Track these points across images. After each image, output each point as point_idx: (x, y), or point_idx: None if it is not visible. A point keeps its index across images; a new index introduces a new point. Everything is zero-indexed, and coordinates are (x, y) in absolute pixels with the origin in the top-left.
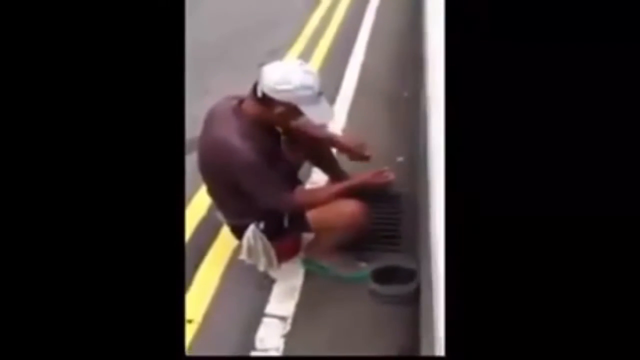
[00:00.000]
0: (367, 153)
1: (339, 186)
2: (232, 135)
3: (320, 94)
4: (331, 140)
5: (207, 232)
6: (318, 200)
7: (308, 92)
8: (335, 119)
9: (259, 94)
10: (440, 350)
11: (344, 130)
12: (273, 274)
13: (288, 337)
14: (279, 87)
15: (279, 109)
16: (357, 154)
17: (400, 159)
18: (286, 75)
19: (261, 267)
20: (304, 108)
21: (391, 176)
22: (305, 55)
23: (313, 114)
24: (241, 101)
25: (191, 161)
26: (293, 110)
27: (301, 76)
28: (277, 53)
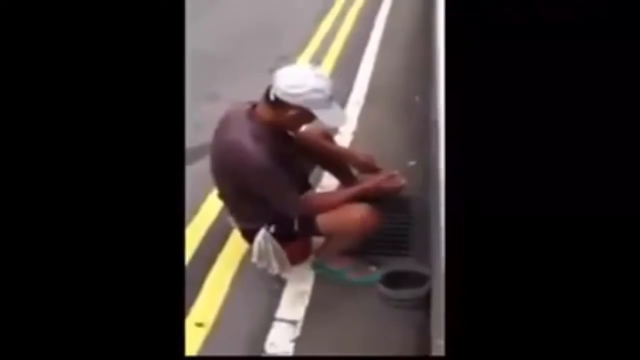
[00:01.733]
0: (377, 166)
1: (350, 190)
2: (245, 139)
3: (331, 97)
4: (343, 155)
5: (218, 236)
6: (329, 204)
7: (320, 96)
8: (346, 123)
9: (272, 97)
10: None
11: (354, 134)
12: (285, 275)
13: (298, 342)
14: (291, 91)
15: (291, 113)
16: (368, 167)
17: (411, 163)
18: (298, 78)
19: (273, 271)
20: (316, 112)
21: (402, 181)
22: (317, 60)
23: (325, 118)
24: (254, 105)
25: (200, 167)
26: (305, 114)
27: (313, 80)
28: (287, 58)
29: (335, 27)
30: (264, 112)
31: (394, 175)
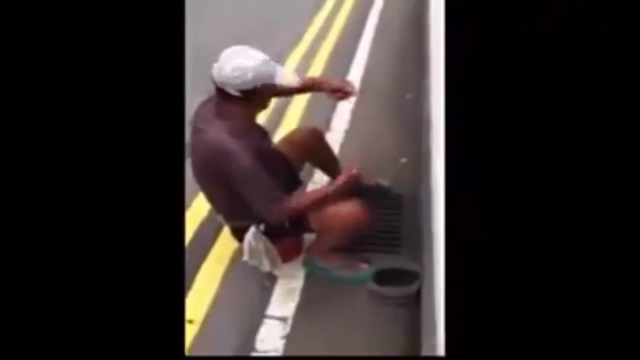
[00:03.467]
0: (349, 89)
1: (317, 192)
2: (226, 139)
3: (270, 59)
4: (314, 84)
5: (209, 233)
6: (309, 205)
7: (270, 65)
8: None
9: (234, 93)
10: (440, 351)
11: (346, 132)
12: (276, 272)
13: (288, 339)
14: (245, 78)
15: (259, 95)
16: (340, 91)
17: (403, 160)
18: (243, 65)
19: (264, 268)
20: (275, 80)
21: (354, 171)
22: (309, 57)
23: (281, 80)
24: (217, 103)
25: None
26: (268, 88)
27: (253, 57)
28: (280, 55)
29: (328, 22)
30: (234, 107)
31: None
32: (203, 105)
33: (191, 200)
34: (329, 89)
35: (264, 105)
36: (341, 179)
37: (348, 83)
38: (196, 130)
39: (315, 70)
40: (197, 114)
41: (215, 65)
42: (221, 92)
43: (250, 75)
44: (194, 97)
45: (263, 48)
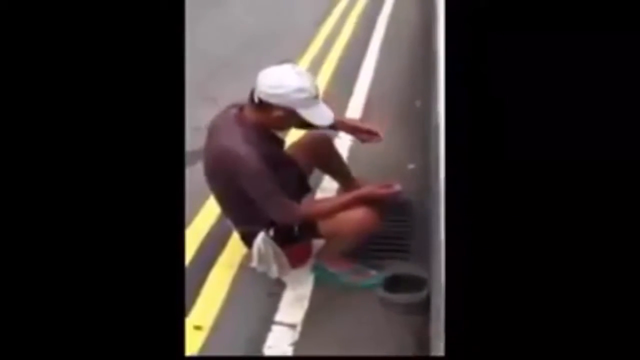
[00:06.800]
0: (374, 129)
1: (345, 197)
2: (237, 144)
3: (316, 96)
4: (342, 126)
5: (217, 239)
6: (323, 212)
7: (303, 95)
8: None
9: (256, 99)
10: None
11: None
12: (285, 278)
13: (296, 346)
14: (273, 92)
15: (276, 113)
16: (371, 135)
17: (411, 166)
18: (279, 79)
19: (273, 275)
20: (300, 111)
21: (397, 187)
22: (317, 63)
23: (310, 117)
24: (241, 108)
25: (200, 170)
26: (290, 114)
27: (295, 79)
28: (291, 61)
29: (335, 31)
30: (251, 114)
31: (391, 183)
32: (224, 111)
33: (200, 206)
34: (354, 132)
35: (281, 127)
36: (360, 193)
37: (375, 124)
38: (211, 134)
39: (323, 78)
40: (216, 119)
41: (267, 69)
42: (250, 97)
43: (280, 91)
44: (194, 105)
45: (271, 55)
